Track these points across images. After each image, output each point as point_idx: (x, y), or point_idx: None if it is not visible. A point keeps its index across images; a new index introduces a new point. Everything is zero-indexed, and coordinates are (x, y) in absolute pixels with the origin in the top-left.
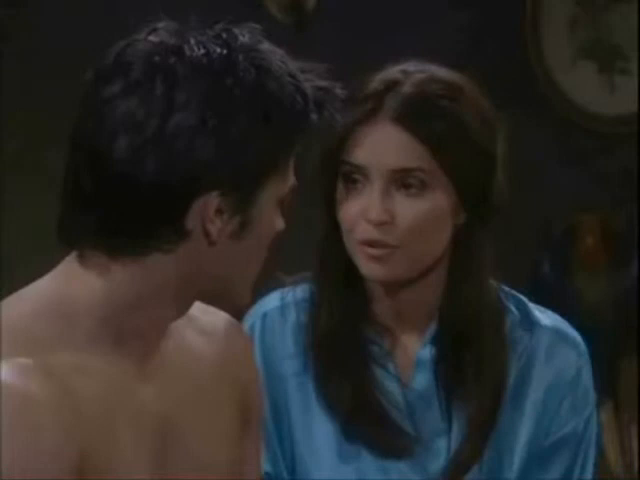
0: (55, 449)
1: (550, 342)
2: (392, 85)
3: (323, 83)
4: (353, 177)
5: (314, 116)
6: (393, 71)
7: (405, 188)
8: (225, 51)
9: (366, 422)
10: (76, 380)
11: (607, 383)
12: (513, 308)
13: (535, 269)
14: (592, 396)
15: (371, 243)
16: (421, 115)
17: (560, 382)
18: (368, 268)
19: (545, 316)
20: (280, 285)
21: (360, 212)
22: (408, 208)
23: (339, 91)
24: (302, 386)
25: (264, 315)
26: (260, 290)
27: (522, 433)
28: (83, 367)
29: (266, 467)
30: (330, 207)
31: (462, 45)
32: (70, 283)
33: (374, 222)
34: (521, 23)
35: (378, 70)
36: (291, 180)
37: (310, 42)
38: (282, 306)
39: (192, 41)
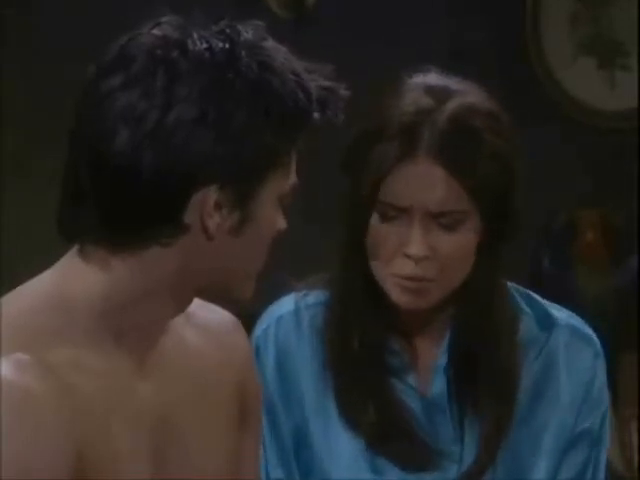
0: (54, 447)
1: (568, 340)
2: (424, 116)
3: (327, 83)
4: (389, 212)
5: (317, 115)
6: (420, 93)
7: (443, 223)
8: (228, 46)
9: (388, 438)
10: (75, 377)
11: (607, 378)
12: (528, 308)
13: (535, 264)
14: (607, 393)
15: (409, 278)
16: (459, 154)
17: (579, 379)
18: (401, 298)
19: (561, 314)
20: (290, 290)
21: (398, 246)
22: (446, 242)
23: (343, 92)
24: (319, 390)
25: (279, 318)
26: (266, 294)
27: (547, 432)
28: (82, 363)
29: (278, 473)
30: (357, 231)
31: (462, 43)
32: (69, 278)
33: (415, 257)
34: (521, 21)
35: (391, 79)
36: (292, 178)
37: (310, 38)
38: (296, 310)
39: (195, 36)
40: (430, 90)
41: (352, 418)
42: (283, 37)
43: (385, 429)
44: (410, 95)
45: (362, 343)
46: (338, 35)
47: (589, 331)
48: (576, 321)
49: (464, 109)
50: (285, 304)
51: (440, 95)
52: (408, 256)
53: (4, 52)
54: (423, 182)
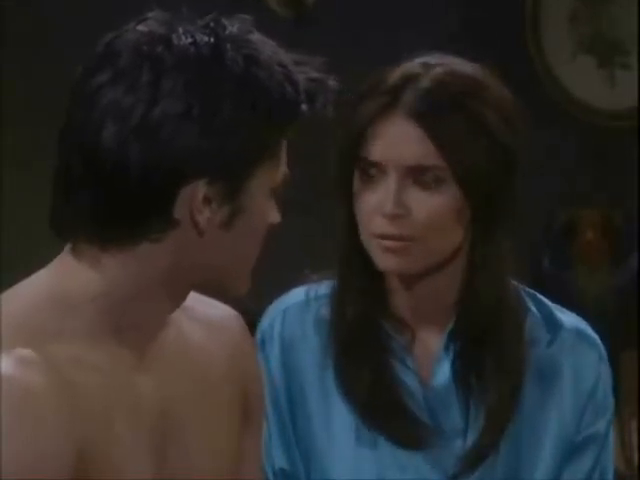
0: (55, 445)
1: (573, 343)
2: (411, 79)
3: (316, 74)
4: (369, 171)
5: (305, 107)
6: (414, 64)
7: (421, 182)
8: (213, 40)
9: (384, 414)
10: (75, 374)
11: None
12: (534, 308)
13: (535, 264)
14: (612, 398)
15: (386, 237)
16: (436, 112)
17: (583, 383)
18: (383, 260)
19: (566, 317)
20: (306, 281)
21: (376, 206)
22: (423, 202)
23: (332, 83)
24: (321, 380)
25: (285, 311)
26: (266, 289)
27: (548, 433)
28: (82, 359)
29: (282, 464)
30: (347, 200)
31: (462, 43)
32: (65, 276)
33: (389, 216)
34: (521, 19)
35: (397, 64)
36: (283, 170)
37: (310, 37)
38: (305, 301)
39: (180, 30)
40: (423, 62)
41: (348, 393)
42: (283, 36)
43: (379, 403)
44: (405, 65)
45: (359, 324)
46: (338, 34)
47: (594, 335)
48: (581, 324)
49: (450, 74)
50: (294, 296)
51: (430, 65)
52: (384, 215)
53: (4, 52)
54: (399, 139)
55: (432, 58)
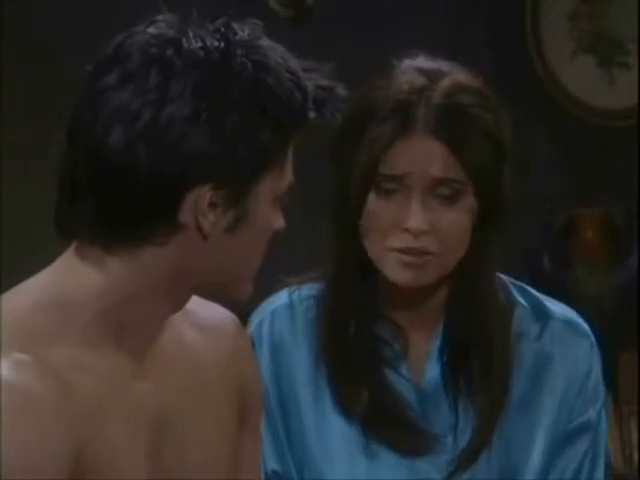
0: (55, 447)
1: (563, 333)
2: (420, 93)
3: (325, 82)
4: (385, 185)
5: (313, 114)
6: (414, 74)
7: (440, 197)
8: (223, 45)
9: (382, 424)
10: (74, 376)
11: (606, 376)
12: (523, 301)
13: (535, 263)
14: (602, 386)
15: (408, 251)
16: (454, 128)
17: (575, 372)
18: (399, 275)
19: (556, 307)
20: (285, 286)
21: (395, 220)
22: (445, 216)
23: (341, 91)
24: (313, 382)
25: (273, 312)
26: (262, 290)
27: (541, 423)
28: (81, 362)
29: (274, 466)
30: (354, 214)
31: (462, 43)
32: (66, 277)
33: (415, 231)
34: (521, 18)
35: (383, 65)
36: (289, 177)
37: (309, 37)
38: (290, 303)
39: (190, 34)
40: (421, 71)
41: (345, 406)
42: (282, 35)
43: (378, 416)
44: (402, 76)
45: (354, 332)
46: (338, 34)
47: (584, 324)
48: (571, 314)
49: (457, 87)
50: (279, 298)
51: (432, 75)
52: (407, 230)
53: (4, 52)
54: (422, 154)
55: (423, 62)
